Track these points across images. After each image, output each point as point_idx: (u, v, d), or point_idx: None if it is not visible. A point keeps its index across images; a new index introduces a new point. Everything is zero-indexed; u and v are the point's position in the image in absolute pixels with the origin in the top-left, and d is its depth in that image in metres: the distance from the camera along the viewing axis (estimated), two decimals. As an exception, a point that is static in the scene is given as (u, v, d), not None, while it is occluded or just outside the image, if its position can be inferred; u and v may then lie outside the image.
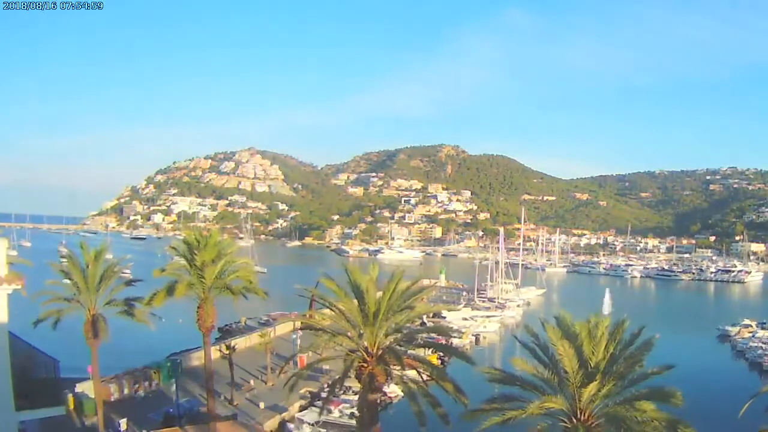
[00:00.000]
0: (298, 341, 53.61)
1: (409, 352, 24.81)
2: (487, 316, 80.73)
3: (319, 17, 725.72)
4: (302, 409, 40.41)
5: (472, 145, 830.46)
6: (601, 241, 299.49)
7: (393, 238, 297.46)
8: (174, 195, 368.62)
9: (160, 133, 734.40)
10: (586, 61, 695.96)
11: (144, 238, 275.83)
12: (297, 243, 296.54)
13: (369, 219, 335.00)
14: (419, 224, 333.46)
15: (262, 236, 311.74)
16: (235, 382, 43.55)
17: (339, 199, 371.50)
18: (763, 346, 63.65)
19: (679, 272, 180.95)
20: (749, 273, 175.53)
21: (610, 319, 18.38)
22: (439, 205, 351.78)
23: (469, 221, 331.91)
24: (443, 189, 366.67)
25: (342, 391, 39.00)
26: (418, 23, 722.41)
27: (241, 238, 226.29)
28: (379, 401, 24.54)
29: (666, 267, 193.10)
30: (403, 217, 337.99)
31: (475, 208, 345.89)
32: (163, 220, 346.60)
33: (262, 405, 39.51)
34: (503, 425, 17.72)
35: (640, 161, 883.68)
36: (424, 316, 61.97)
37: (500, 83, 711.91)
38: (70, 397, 35.15)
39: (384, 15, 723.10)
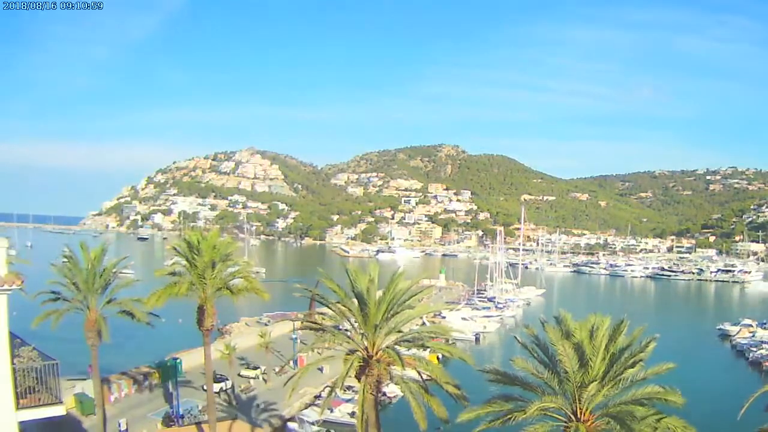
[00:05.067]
0: (298, 341, 53.67)
1: (409, 351, 24.82)
2: (487, 316, 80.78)
3: (320, 20, 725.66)
4: (302, 409, 40.46)
5: (472, 145, 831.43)
6: (601, 241, 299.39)
7: (393, 238, 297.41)
8: (174, 195, 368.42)
9: (160, 132, 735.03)
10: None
11: (146, 238, 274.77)
12: (300, 243, 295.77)
13: (369, 219, 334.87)
14: (419, 224, 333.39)
15: (262, 236, 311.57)
16: (236, 381, 43.62)
17: (339, 199, 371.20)
18: (764, 346, 63.64)
19: (679, 272, 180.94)
20: (749, 273, 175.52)
21: (610, 319, 18.39)
22: (439, 205, 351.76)
23: (469, 221, 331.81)
24: (443, 189, 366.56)
25: (342, 391, 39.02)
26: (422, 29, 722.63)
27: (241, 238, 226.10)
28: (379, 401, 24.53)
29: (666, 267, 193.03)
30: (403, 217, 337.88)
31: (475, 208, 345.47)
32: (163, 220, 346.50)
33: (262, 405, 39.53)
34: (503, 425, 17.72)
35: (640, 161, 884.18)
36: (424, 316, 61.95)
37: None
38: (70, 397, 35.15)
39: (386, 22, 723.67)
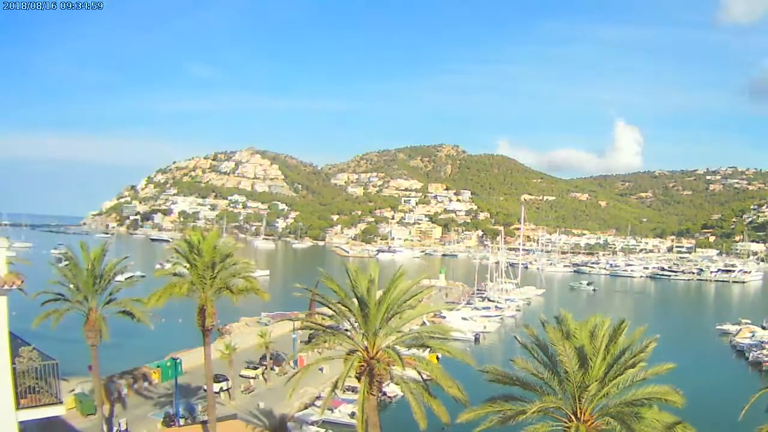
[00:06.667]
0: (298, 341, 53.66)
1: (409, 351, 24.81)
2: (487, 316, 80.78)
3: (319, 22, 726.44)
4: (302, 409, 40.46)
5: (472, 145, 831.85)
6: (601, 241, 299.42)
7: (393, 238, 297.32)
8: (174, 195, 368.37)
9: (160, 132, 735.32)
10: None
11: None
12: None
13: (369, 219, 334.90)
14: (419, 224, 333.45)
15: (262, 236, 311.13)
16: (235, 382, 43.60)
17: (339, 199, 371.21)
18: (764, 346, 63.60)
19: (679, 272, 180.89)
20: (749, 273, 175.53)
21: (610, 319, 18.40)
22: (439, 205, 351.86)
23: (469, 221, 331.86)
24: (443, 189, 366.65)
25: (342, 392, 39.01)
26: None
27: (249, 241, 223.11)
28: (379, 401, 24.53)
29: (666, 267, 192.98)
30: (403, 217, 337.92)
31: (475, 208, 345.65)
32: (163, 220, 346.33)
33: (262, 405, 39.51)
34: (503, 425, 17.72)
35: (640, 161, 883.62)
36: (424, 316, 61.96)
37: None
38: (70, 397, 35.14)
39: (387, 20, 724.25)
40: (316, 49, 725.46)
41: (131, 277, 33.55)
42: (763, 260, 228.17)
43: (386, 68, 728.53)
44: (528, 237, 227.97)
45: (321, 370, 45.44)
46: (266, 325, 64.69)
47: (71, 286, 30.73)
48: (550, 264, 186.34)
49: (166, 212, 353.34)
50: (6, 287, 14.35)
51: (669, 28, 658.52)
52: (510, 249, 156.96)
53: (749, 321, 77.51)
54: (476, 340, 69.70)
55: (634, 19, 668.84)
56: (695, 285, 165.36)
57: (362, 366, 22.17)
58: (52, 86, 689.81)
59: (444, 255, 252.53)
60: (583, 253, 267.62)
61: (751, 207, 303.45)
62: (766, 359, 58.95)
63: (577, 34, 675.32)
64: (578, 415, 17.25)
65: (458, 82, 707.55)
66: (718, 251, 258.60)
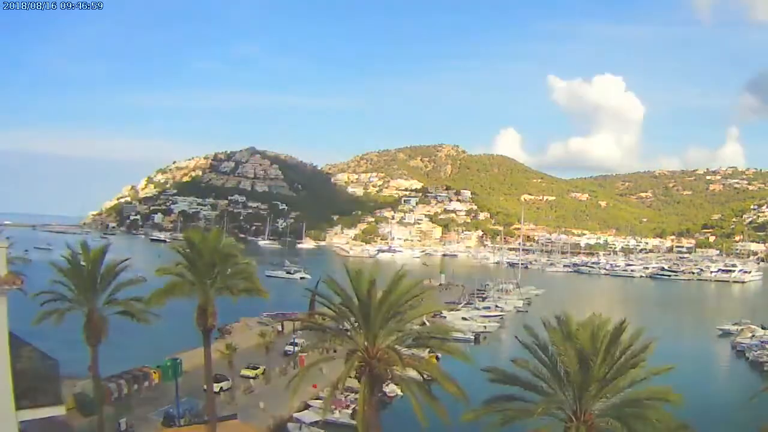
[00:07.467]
0: (298, 341, 53.68)
1: (409, 351, 24.80)
2: (487, 316, 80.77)
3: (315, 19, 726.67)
4: (302, 409, 40.45)
5: (472, 145, 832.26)
6: (601, 241, 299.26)
7: (393, 238, 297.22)
8: (174, 195, 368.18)
9: (160, 132, 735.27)
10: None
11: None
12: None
13: (369, 219, 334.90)
14: (419, 224, 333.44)
15: (261, 236, 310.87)
16: (235, 382, 43.61)
17: (339, 199, 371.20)
18: (764, 346, 63.58)
19: (679, 272, 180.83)
20: (749, 273, 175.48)
21: (611, 320, 18.39)
22: (439, 205, 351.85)
23: (469, 221, 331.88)
24: (443, 189, 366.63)
25: (342, 392, 38.99)
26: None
27: (242, 238, 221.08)
28: (379, 401, 24.51)
29: (666, 267, 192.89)
30: (403, 217, 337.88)
31: (475, 208, 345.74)
32: (163, 220, 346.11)
33: (262, 405, 39.51)
34: (504, 425, 17.71)
35: (640, 161, 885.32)
36: (424, 316, 61.86)
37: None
38: (70, 397, 35.10)
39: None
40: (316, 49, 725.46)
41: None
42: (763, 260, 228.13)
43: (386, 67, 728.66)
44: (528, 237, 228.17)
45: (321, 370, 45.37)
46: (266, 325, 64.71)
47: (71, 286, 30.68)
48: (550, 264, 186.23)
49: (166, 212, 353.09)
50: (6, 287, 14.33)
51: (669, 28, 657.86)
52: (510, 249, 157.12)
53: (749, 321, 77.50)
54: (476, 340, 69.67)
55: (634, 18, 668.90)
56: (695, 285, 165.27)
57: (362, 366, 22.15)
58: (51, 85, 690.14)
59: (444, 255, 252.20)
60: (583, 253, 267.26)
61: (751, 207, 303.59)
62: (766, 359, 58.94)
63: (576, 32, 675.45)
64: (579, 415, 17.24)
65: (458, 81, 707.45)
66: (718, 251, 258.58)
